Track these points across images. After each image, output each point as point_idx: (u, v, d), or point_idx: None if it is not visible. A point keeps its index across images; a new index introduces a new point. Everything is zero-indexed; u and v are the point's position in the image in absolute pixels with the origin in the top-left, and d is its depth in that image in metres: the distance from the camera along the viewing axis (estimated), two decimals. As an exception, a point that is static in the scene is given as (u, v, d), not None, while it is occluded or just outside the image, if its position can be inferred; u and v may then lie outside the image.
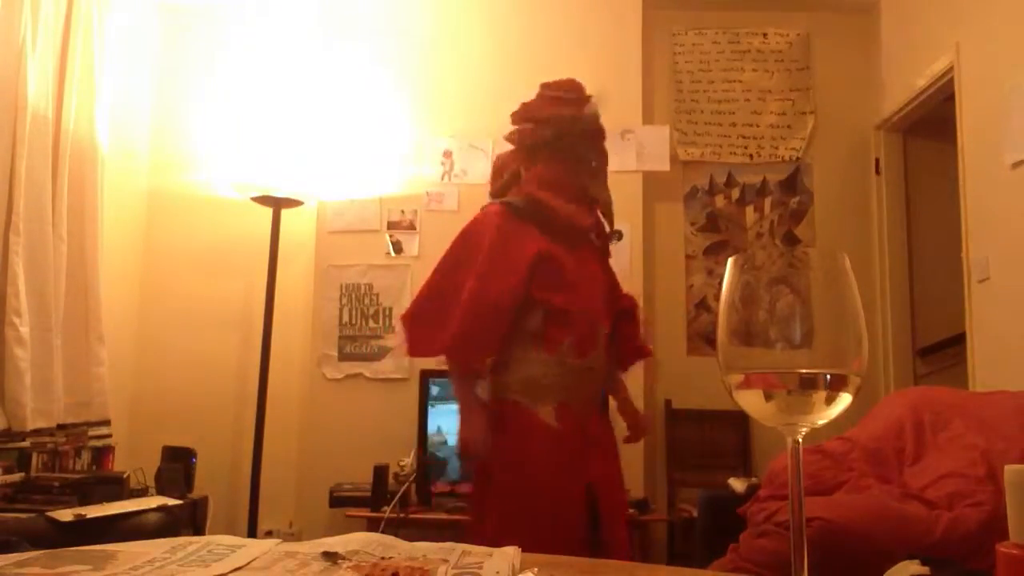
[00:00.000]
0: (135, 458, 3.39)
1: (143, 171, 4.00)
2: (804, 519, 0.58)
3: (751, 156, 4.21)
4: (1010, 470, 0.54)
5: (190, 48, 4.10)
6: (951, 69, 3.42)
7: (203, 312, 3.89)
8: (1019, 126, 2.95)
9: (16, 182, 2.84)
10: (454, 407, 2.19)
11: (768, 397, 0.57)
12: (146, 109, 4.03)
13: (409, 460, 3.50)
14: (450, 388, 2.27)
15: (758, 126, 4.23)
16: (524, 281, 2.10)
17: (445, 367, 2.16)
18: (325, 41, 4.06)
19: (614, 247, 2.46)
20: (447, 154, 3.96)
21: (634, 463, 3.74)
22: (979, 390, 3.09)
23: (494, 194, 2.28)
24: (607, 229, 2.31)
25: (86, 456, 3.24)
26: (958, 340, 3.54)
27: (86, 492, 2.64)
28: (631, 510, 3.29)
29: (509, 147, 2.35)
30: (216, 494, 3.50)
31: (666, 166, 4.00)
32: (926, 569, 1.78)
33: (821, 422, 0.58)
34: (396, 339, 3.84)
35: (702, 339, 4.09)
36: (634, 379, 3.80)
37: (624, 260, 3.88)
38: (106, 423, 3.35)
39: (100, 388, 3.30)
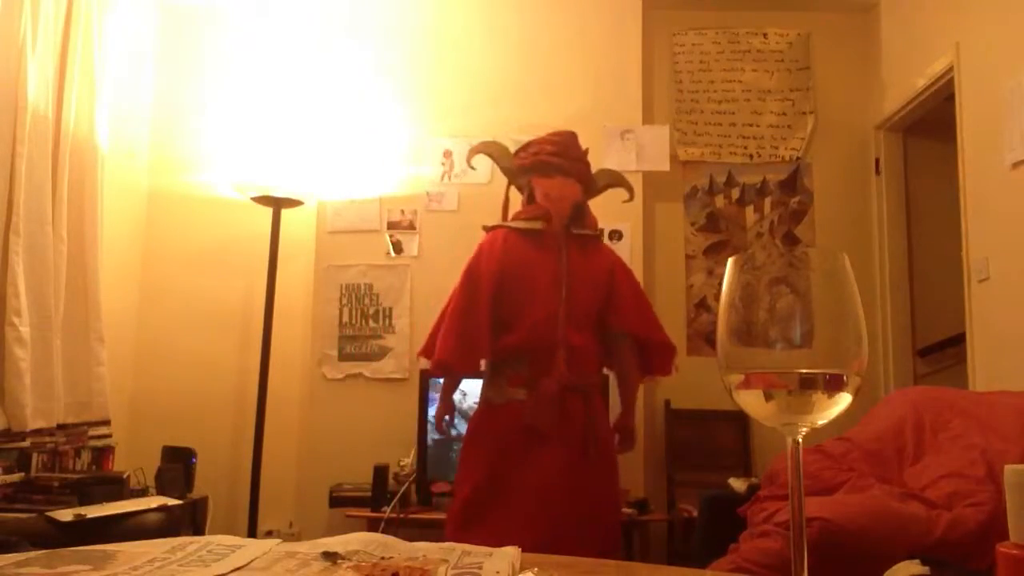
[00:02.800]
0: (135, 458, 3.38)
1: (143, 171, 4.00)
2: (804, 519, 0.58)
3: (751, 156, 4.21)
4: (1010, 470, 0.54)
5: (190, 48, 4.10)
6: (951, 69, 3.42)
7: (203, 312, 3.89)
8: (1019, 126, 2.95)
9: (16, 182, 2.83)
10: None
11: (768, 397, 0.57)
12: (146, 109, 4.02)
13: (409, 460, 3.50)
14: None
15: (758, 126, 4.23)
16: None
17: None
18: (325, 41, 4.06)
19: (615, 247, 2.56)
20: (447, 154, 3.96)
21: (634, 463, 3.74)
22: (979, 390, 3.09)
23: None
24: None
25: (86, 456, 3.24)
26: (958, 340, 3.54)
27: (86, 492, 2.64)
28: (630, 509, 3.30)
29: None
30: (216, 494, 3.50)
31: (666, 166, 4.00)
32: (926, 569, 1.77)
33: (821, 422, 0.58)
34: (397, 339, 3.85)
35: (702, 339, 4.09)
36: (634, 379, 3.82)
37: (624, 260, 3.88)
38: (106, 423, 3.34)
39: (100, 388, 3.30)
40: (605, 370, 2.62)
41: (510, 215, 2.58)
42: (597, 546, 2.17)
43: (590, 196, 2.57)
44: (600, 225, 3.94)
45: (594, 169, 2.62)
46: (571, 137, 2.55)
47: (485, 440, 2.37)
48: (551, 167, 2.45)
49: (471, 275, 2.44)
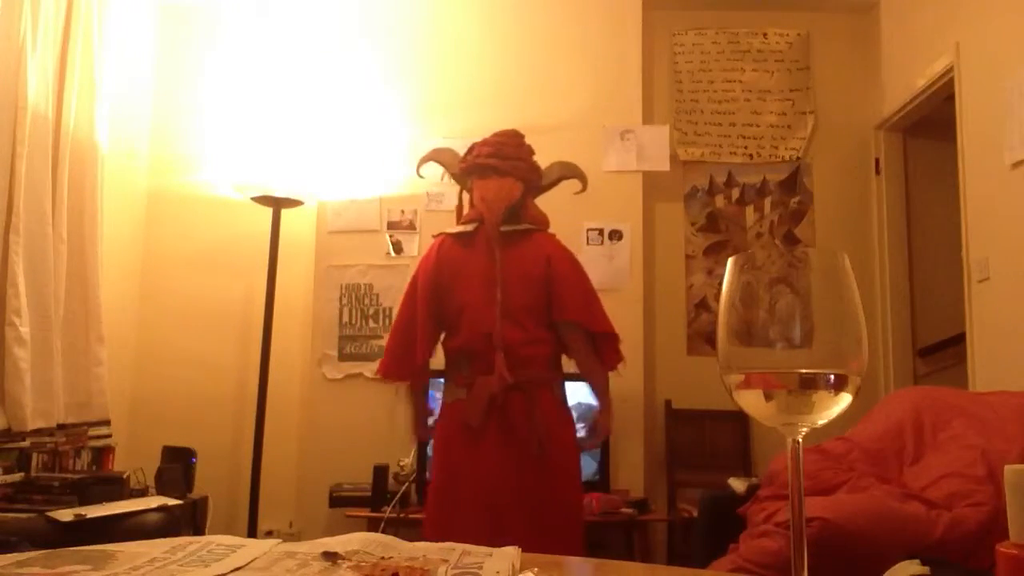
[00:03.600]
0: (135, 458, 3.38)
1: (143, 171, 4.00)
2: (804, 519, 0.58)
3: (751, 156, 4.21)
4: (1010, 470, 0.54)
5: (190, 48, 4.10)
6: (951, 69, 3.42)
7: (203, 312, 3.89)
8: (1019, 126, 2.95)
9: (16, 182, 2.84)
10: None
11: (768, 397, 0.57)
12: (146, 109, 4.03)
13: (409, 460, 3.50)
14: None
15: (758, 126, 4.23)
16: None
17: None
18: (325, 41, 4.06)
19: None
20: (447, 154, 3.96)
21: (634, 463, 3.74)
22: (979, 390, 3.09)
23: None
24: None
25: (86, 456, 3.24)
26: (958, 340, 3.54)
27: (86, 492, 2.64)
28: (630, 509, 3.30)
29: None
30: (216, 494, 3.50)
31: (666, 166, 4.00)
32: (926, 569, 1.77)
33: (821, 422, 0.58)
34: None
35: (702, 339, 4.09)
36: (634, 379, 3.82)
37: (624, 260, 3.88)
38: (106, 423, 3.35)
39: (100, 388, 3.30)
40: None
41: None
42: (551, 549, 2.14)
43: (538, 192, 2.54)
44: (600, 225, 3.99)
45: (546, 164, 2.57)
46: (510, 136, 2.53)
47: (439, 439, 2.42)
48: (486, 169, 2.46)
49: (410, 285, 2.51)
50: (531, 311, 2.37)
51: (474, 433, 2.29)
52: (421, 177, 2.66)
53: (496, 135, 2.55)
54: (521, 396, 2.31)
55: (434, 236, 2.60)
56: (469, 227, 2.44)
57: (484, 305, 2.35)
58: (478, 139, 2.59)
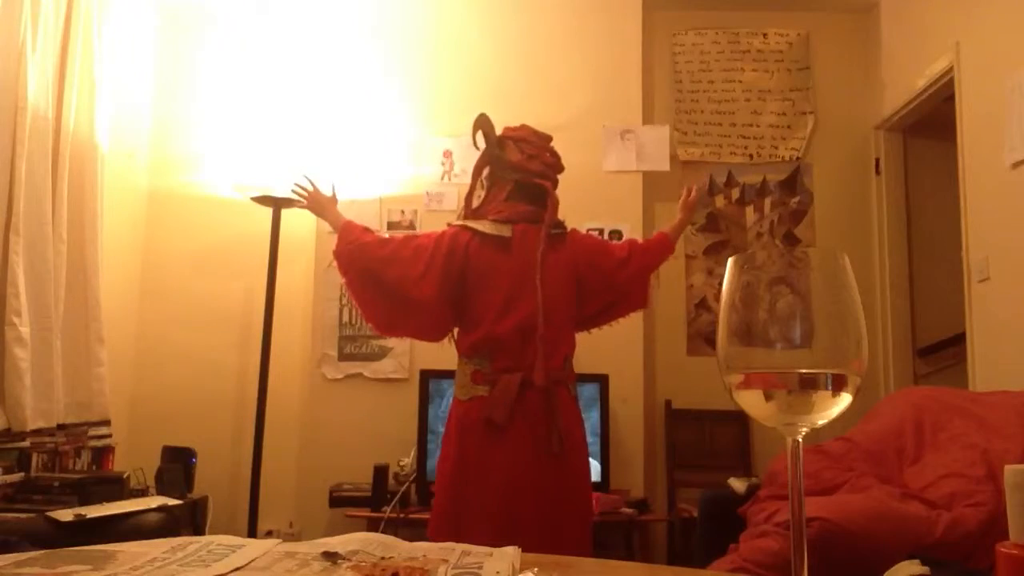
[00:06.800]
0: (135, 458, 3.39)
1: (143, 171, 4.00)
2: (804, 519, 0.58)
3: (751, 156, 4.21)
4: (1010, 470, 0.54)
5: (190, 48, 4.10)
6: (951, 69, 3.42)
7: (203, 312, 3.89)
8: (1019, 126, 2.95)
9: (16, 182, 2.84)
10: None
11: (768, 397, 0.57)
12: (146, 109, 4.02)
13: (409, 460, 3.50)
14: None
15: (758, 126, 4.23)
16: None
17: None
18: (324, 41, 4.06)
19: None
20: (447, 154, 3.96)
21: (634, 463, 3.74)
22: (979, 390, 3.09)
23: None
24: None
25: (86, 456, 3.24)
26: (958, 340, 3.54)
27: (86, 492, 2.64)
28: (630, 509, 3.30)
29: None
30: (216, 494, 3.50)
31: (666, 166, 4.00)
32: (926, 569, 1.77)
33: (821, 422, 0.58)
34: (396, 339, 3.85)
35: (702, 339, 4.09)
36: (634, 379, 3.83)
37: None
38: (106, 423, 3.34)
39: (100, 388, 3.29)
40: None
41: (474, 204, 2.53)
42: (563, 547, 2.14)
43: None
44: (600, 225, 3.99)
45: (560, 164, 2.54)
46: (545, 141, 2.52)
47: (454, 436, 2.38)
48: (542, 189, 2.44)
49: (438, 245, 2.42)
50: (558, 311, 2.38)
51: (494, 430, 2.28)
52: (477, 149, 2.59)
53: (536, 144, 2.50)
54: (541, 394, 2.31)
55: (449, 224, 2.49)
56: (505, 230, 2.39)
57: (524, 301, 2.34)
58: (479, 138, 2.51)
